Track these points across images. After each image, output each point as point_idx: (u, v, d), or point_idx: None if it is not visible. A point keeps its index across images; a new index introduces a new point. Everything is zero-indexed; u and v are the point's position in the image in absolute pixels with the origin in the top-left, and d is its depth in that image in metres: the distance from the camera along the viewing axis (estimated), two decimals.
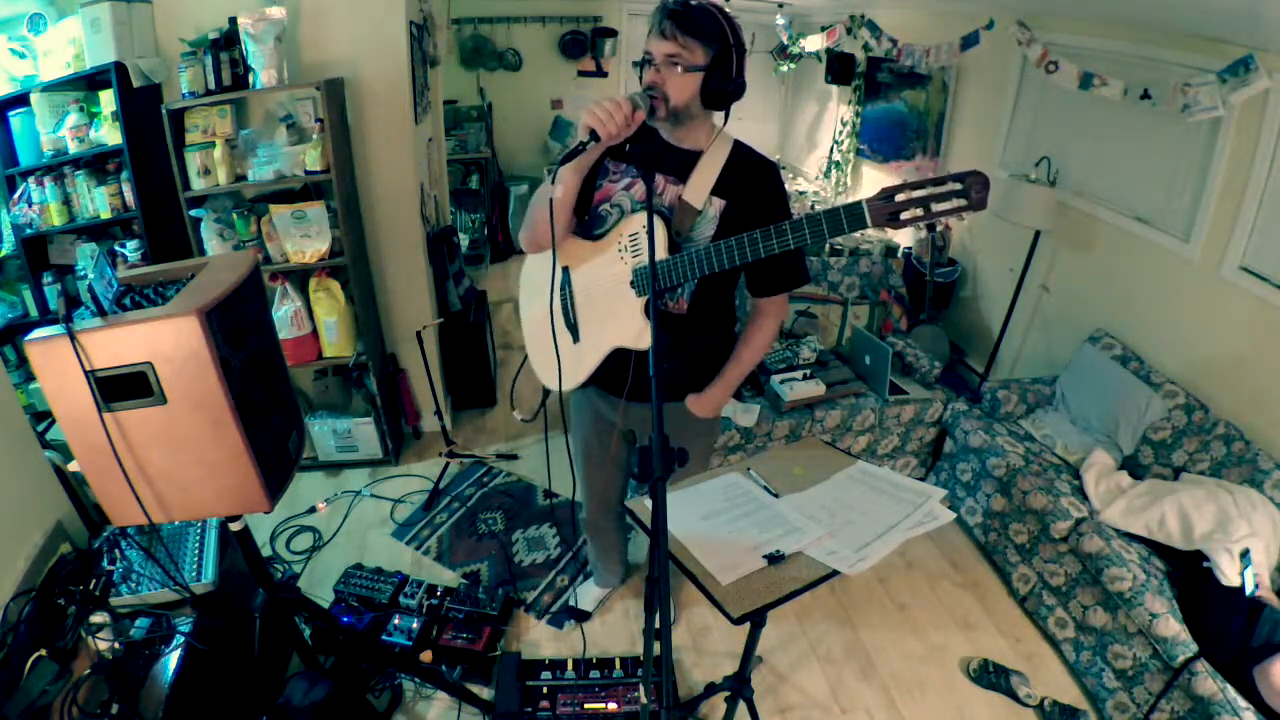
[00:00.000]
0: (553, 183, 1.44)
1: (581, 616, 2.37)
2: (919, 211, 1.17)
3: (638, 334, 1.53)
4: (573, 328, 1.65)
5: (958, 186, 1.14)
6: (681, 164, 1.50)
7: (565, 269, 1.62)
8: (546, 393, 1.75)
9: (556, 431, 3.31)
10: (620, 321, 1.55)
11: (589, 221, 1.61)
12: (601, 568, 2.39)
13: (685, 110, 1.44)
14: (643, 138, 1.51)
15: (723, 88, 1.41)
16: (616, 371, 1.60)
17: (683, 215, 1.49)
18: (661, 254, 1.43)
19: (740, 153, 1.52)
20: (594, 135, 1.33)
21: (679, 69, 1.39)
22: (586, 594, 2.43)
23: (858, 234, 4.64)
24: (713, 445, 1.95)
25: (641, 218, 1.48)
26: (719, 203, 1.49)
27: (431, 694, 2.09)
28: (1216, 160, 2.52)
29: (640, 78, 1.47)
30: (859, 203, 1.19)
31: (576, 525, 2.72)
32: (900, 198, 1.16)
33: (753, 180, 1.50)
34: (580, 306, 1.62)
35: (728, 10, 1.41)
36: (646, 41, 1.43)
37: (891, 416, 2.86)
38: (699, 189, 1.48)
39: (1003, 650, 2.37)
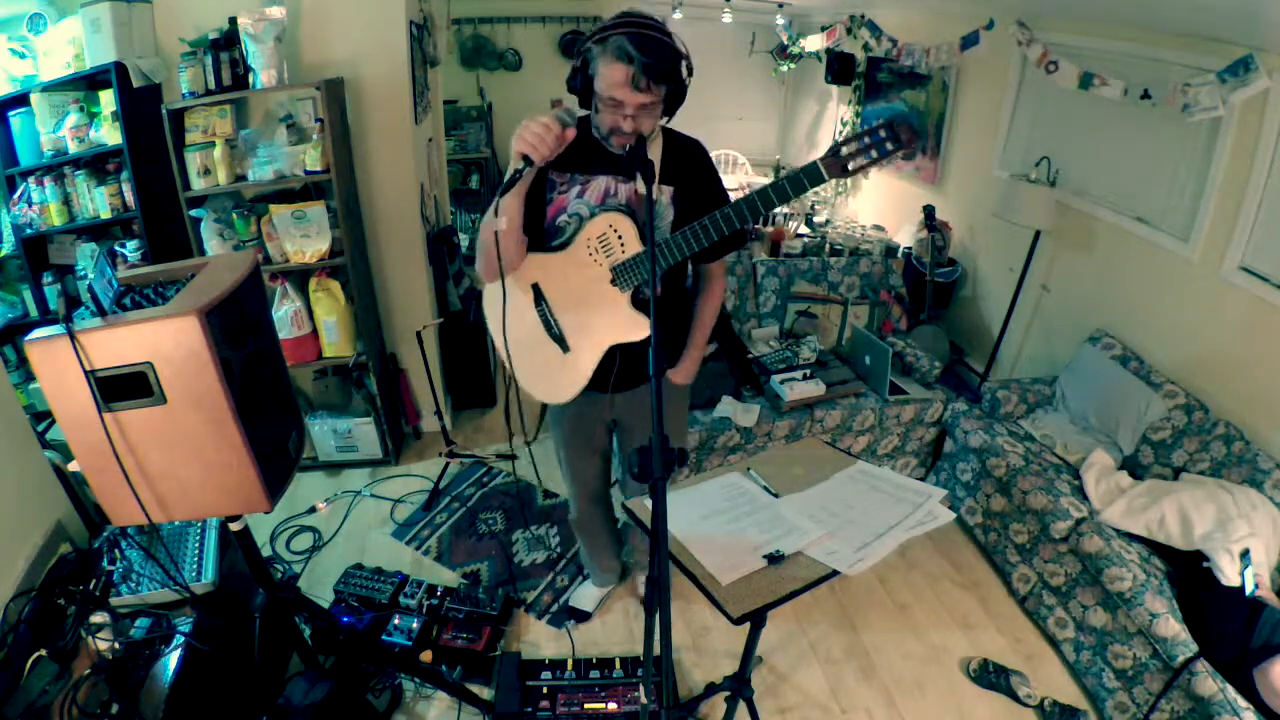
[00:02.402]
0: (495, 215, 1.45)
1: (581, 617, 2.36)
2: (863, 160, 1.33)
3: (632, 327, 1.59)
4: (559, 339, 1.66)
5: (886, 134, 1.31)
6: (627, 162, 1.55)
7: (536, 285, 1.64)
8: (544, 408, 1.78)
9: (547, 436, 3.32)
10: (610, 319, 1.60)
11: (547, 234, 1.62)
12: (597, 566, 2.38)
13: (649, 134, 1.50)
14: (588, 144, 1.52)
15: (675, 104, 1.51)
16: (600, 369, 1.66)
17: (642, 207, 1.55)
18: (636, 246, 1.53)
19: (672, 140, 1.61)
20: (527, 160, 1.37)
21: (653, 113, 1.45)
22: (585, 595, 2.43)
23: (858, 234, 4.65)
24: (688, 405, 2.04)
25: (606, 219, 1.53)
26: (668, 189, 1.59)
27: (431, 694, 2.09)
28: (1216, 160, 2.52)
29: (587, 103, 1.48)
30: (814, 163, 1.34)
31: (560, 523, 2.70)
32: (844, 150, 1.34)
33: (688, 162, 1.61)
34: (562, 316, 1.65)
35: (672, 31, 1.43)
36: (608, 84, 1.39)
37: (891, 416, 2.86)
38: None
39: (1003, 650, 2.37)
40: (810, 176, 1.34)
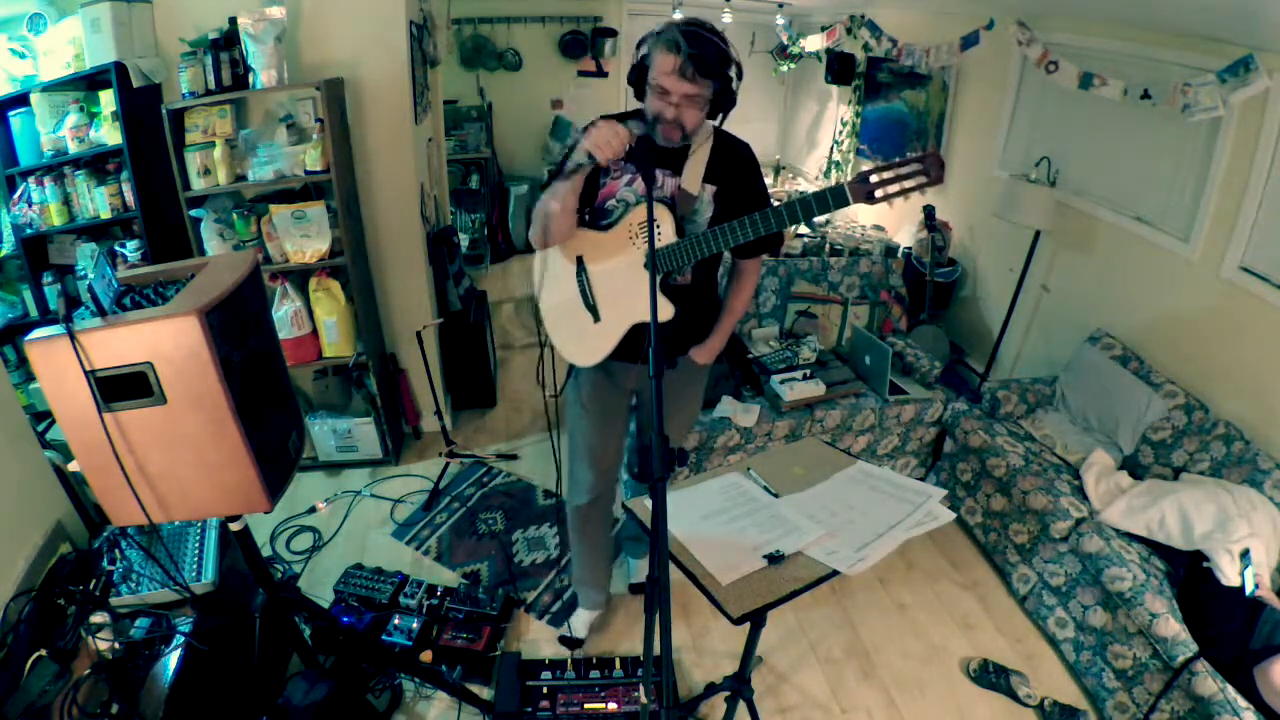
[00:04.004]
0: (552, 189, 1.62)
1: (574, 644, 2.26)
2: (891, 189, 1.41)
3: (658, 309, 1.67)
4: (592, 309, 1.78)
5: (918, 166, 1.39)
6: (675, 158, 1.66)
7: (580, 258, 1.76)
8: (571, 368, 1.93)
9: (553, 432, 3.32)
10: (639, 299, 1.70)
11: (597, 214, 1.74)
12: (590, 581, 2.25)
13: (694, 131, 1.61)
14: (640, 138, 1.62)
15: (723, 107, 1.61)
16: (628, 342, 1.77)
17: (684, 202, 1.67)
18: (671, 237, 1.62)
19: (722, 140, 1.70)
20: (592, 158, 1.51)
21: (697, 106, 1.55)
22: (576, 622, 2.31)
23: (858, 234, 4.65)
24: (704, 386, 2.13)
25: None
26: (711, 188, 1.69)
27: (431, 694, 2.09)
28: (1216, 160, 2.52)
29: (642, 95, 1.60)
30: (841, 185, 1.42)
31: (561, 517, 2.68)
32: (874, 179, 1.41)
33: (735, 163, 1.71)
34: (598, 290, 1.76)
35: (727, 40, 1.54)
36: (658, 72, 1.52)
37: (891, 416, 2.86)
38: (693, 177, 1.67)
39: (1003, 650, 2.37)
40: (836, 198, 1.43)
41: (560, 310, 1.83)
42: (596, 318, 1.78)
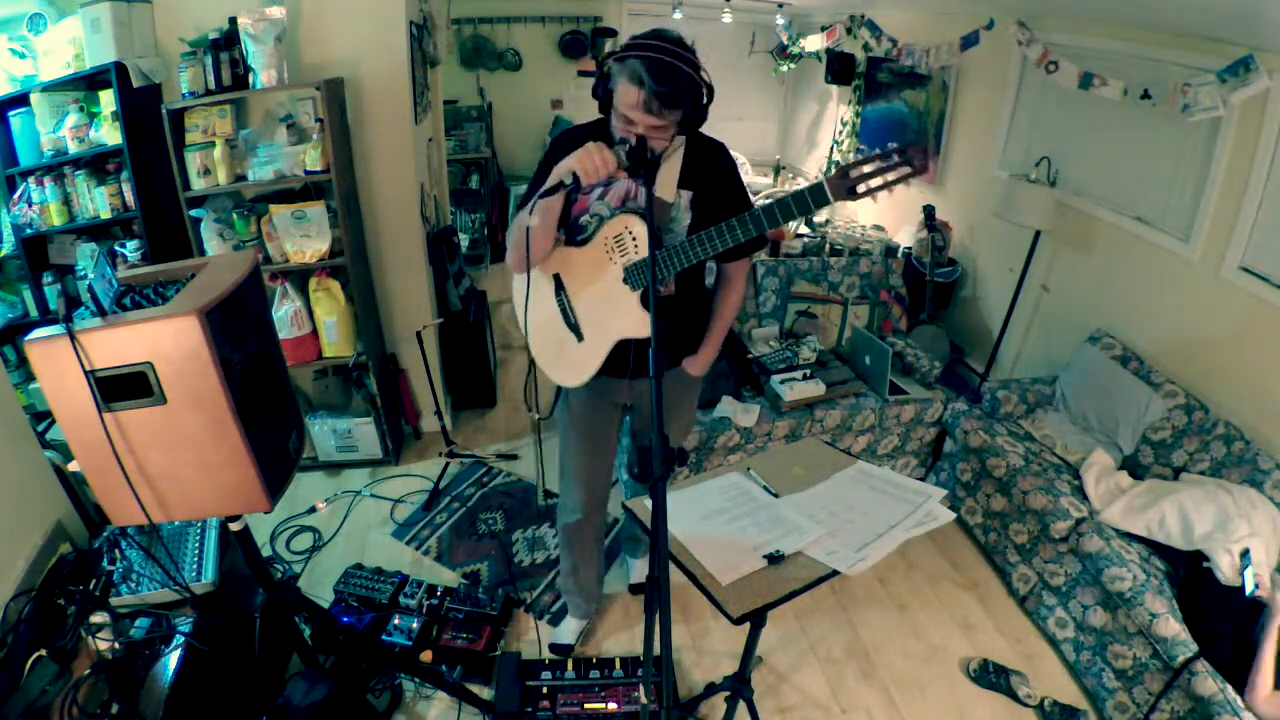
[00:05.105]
0: (530, 212, 1.55)
1: (564, 651, 2.25)
2: (873, 183, 1.34)
3: (638, 324, 1.64)
4: (574, 328, 1.73)
5: (899, 158, 1.33)
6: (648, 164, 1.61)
7: (557, 276, 1.72)
8: (558, 388, 1.89)
9: (551, 433, 3.32)
10: (621, 315, 1.66)
11: (570, 230, 1.70)
12: (579, 592, 2.23)
13: (661, 150, 1.55)
14: (639, 140, 1.56)
15: (693, 124, 1.57)
16: (615, 358, 1.71)
17: (659, 211, 1.61)
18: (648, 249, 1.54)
19: (695, 142, 1.64)
20: (575, 179, 1.45)
21: (664, 135, 1.50)
22: (564, 630, 2.30)
23: (858, 234, 4.65)
24: (699, 393, 2.08)
25: (623, 220, 1.61)
26: (687, 194, 1.63)
27: (431, 694, 2.09)
28: (1216, 160, 2.52)
29: (607, 110, 1.55)
30: (820, 183, 1.36)
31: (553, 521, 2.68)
32: (854, 174, 1.35)
33: (711, 166, 1.65)
34: (579, 308, 1.72)
35: (695, 58, 1.46)
36: (622, 103, 1.46)
37: (891, 416, 2.86)
38: (667, 185, 1.61)
39: (1003, 650, 2.37)
40: (816, 197, 1.36)
41: (543, 332, 1.79)
42: (580, 337, 1.73)
